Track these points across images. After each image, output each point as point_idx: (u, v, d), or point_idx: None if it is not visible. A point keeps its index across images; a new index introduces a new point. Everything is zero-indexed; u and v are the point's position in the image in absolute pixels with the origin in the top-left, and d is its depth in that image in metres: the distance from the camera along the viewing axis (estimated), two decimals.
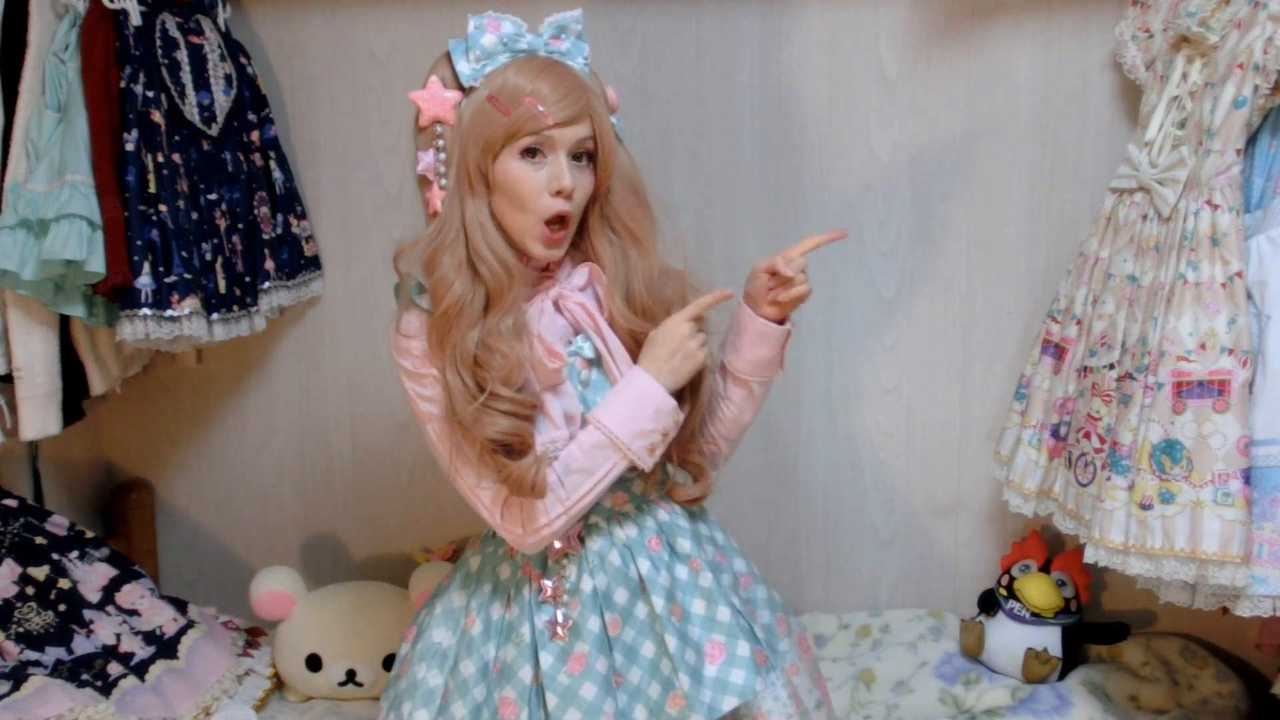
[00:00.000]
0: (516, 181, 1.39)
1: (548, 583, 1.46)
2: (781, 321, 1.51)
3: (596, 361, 1.47)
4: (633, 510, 1.51)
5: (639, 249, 1.49)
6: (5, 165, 1.84)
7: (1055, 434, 1.92)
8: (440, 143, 1.42)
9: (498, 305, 1.40)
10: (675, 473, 1.55)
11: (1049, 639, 2.10)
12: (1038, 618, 2.11)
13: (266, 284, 2.19)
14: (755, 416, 1.58)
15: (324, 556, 2.43)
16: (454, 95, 1.41)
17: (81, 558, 2.04)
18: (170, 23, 2.01)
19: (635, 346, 1.48)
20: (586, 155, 1.44)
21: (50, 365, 1.90)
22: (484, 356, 1.38)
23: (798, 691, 1.54)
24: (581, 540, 1.48)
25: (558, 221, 1.42)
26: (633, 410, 1.41)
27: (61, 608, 1.97)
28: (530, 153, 1.39)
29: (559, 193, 1.40)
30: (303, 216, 2.28)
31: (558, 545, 1.46)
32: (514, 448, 1.38)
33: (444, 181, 1.42)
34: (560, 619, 1.45)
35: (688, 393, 1.48)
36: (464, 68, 1.40)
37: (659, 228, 1.51)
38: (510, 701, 1.43)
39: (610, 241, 1.49)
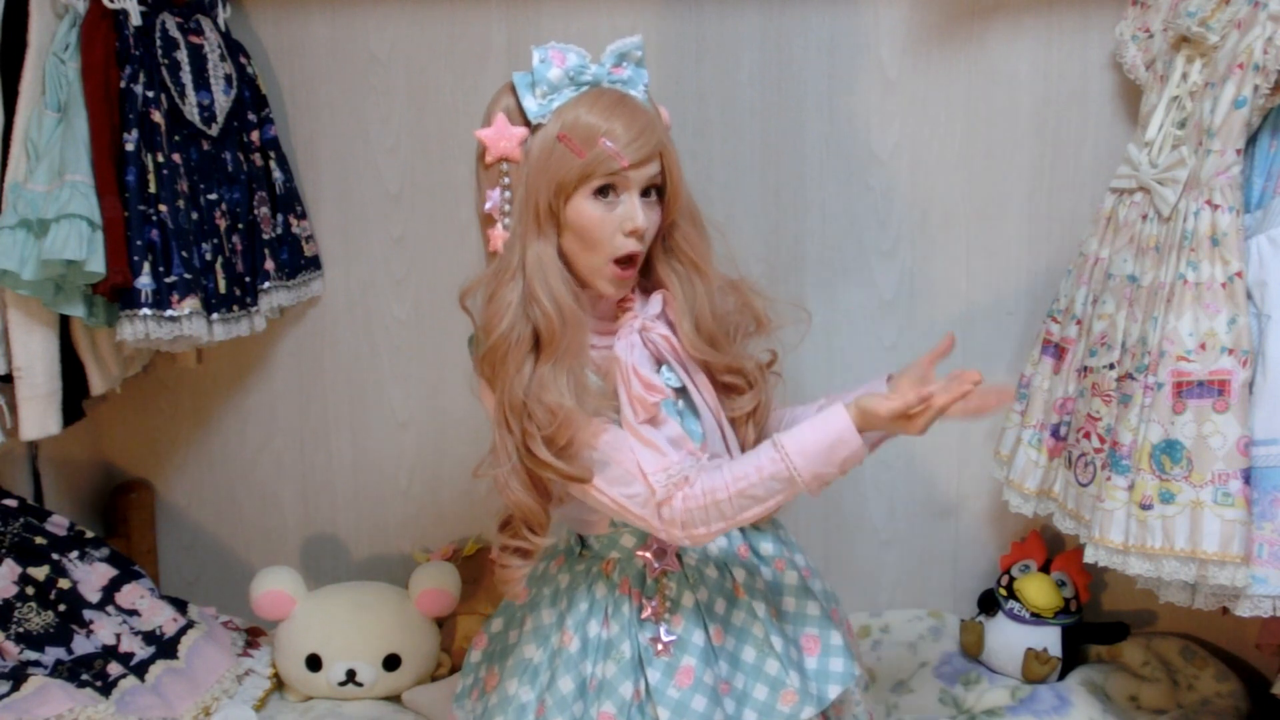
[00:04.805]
0: (590, 222, 1.37)
1: (651, 601, 1.47)
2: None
3: (683, 391, 1.46)
4: None
5: (700, 276, 1.48)
6: (5, 165, 1.83)
7: (1055, 434, 1.92)
8: (506, 180, 1.39)
9: (548, 351, 1.36)
10: None
11: (1049, 639, 2.10)
12: (1038, 618, 2.11)
13: (266, 284, 2.19)
14: None
15: (324, 556, 2.43)
16: (521, 131, 1.38)
17: (81, 558, 2.04)
18: (170, 23, 2.01)
19: (706, 372, 1.48)
20: (654, 189, 1.42)
21: (50, 365, 1.90)
22: (530, 406, 1.34)
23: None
24: (679, 557, 1.49)
25: (628, 260, 1.41)
26: (826, 454, 1.33)
27: (61, 608, 1.96)
28: (602, 191, 1.37)
29: (632, 232, 1.38)
30: (303, 216, 2.28)
31: (657, 565, 1.47)
32: (528, 526, 1.38)
33: (507, 221, 1.39)
34: (664, 635, 1.45)
35: (748, 420, 1.50)
36: (531, 104, 1.37)
37: (712, 245, 1.50)
38: (610, 716, 1.43)
39: (675, 271, 1.48)
